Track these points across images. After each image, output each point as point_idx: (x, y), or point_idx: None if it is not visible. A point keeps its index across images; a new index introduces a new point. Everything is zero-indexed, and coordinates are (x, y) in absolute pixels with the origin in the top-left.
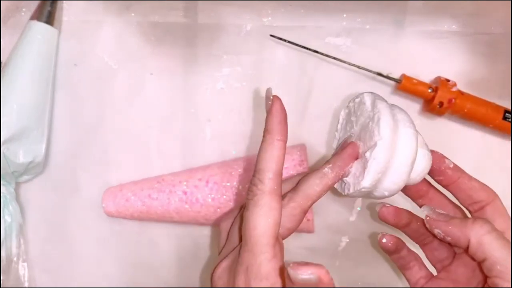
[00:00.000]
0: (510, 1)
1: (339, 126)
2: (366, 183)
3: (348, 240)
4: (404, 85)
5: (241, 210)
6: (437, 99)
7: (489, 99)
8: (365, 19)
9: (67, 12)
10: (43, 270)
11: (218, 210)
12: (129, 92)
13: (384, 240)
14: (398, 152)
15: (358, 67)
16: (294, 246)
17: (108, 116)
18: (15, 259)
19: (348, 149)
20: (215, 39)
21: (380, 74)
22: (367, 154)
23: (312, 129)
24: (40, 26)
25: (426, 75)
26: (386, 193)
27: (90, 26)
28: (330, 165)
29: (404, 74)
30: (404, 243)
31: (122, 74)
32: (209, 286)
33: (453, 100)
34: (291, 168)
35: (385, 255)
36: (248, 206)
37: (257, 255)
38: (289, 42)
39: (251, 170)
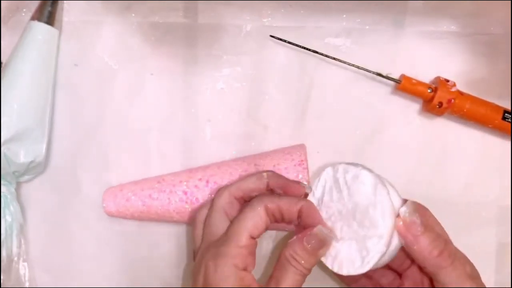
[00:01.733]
0: (510, 1)
1: (318, 183)
2: (363, 270)
3: None
4: (404, 85)
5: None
6: (436, 99)
7: (489, 99)
8: (365, 19)
9: (67, 12)
10: (44, 270)
11: None
12: (129, 92)
13: None
14: (394, 238)
15: (358, 67)
16: None
17: (108, 116)
18: (15, 259)
19: None
20: (215, 39)
21: (379, 75)
22: (369, 244)
23: (312, 129)
24: (40, 27)
25: (425, 75)
26: None
27: (90, 26)
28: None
29: (404, 74)
30: None
31: (122, 74)
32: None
33: (453, 100)
34: (291, 168)
35: None
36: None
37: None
38: (289, 42)
39: (251, 170)
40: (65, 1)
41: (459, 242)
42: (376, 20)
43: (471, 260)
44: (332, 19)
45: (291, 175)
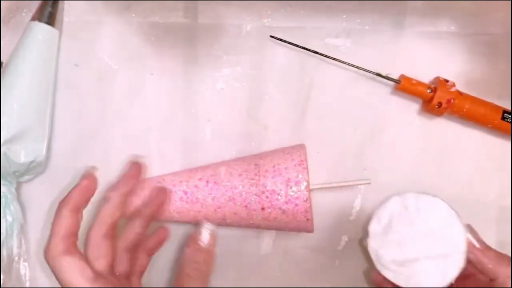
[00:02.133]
0: (510, 1)
1: (385, 210)
2: (443, 285)
3: (348, 240)
4: (403, 86)
5: None
6: (435, 99)
7: (488, 99)
8: (365, 19)
9: (67, 12)
10: (44, 270)
11: (218, 209)
12: (129, 92)
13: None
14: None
15: (358, 67)
16: (294, 246)
17: (108, 116)
18: (16, 258)
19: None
20: (215, 39)
21: (379, 75)
22: (449, 261)
23: (312, 129)
24: (41, 27)
25: (425, 75)
26: None
27: (90, 26)
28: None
29: (403, 74)
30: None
31: (123, 74)
32: None
33: (452, 101)
34: (291, 168)
35: None
36: None
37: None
38: (289, 42)
39: (251, 170)
40: (65, 1)
41: None
42: (376, 20)
43: None
44: (332, 20)
45: (291, 175)
